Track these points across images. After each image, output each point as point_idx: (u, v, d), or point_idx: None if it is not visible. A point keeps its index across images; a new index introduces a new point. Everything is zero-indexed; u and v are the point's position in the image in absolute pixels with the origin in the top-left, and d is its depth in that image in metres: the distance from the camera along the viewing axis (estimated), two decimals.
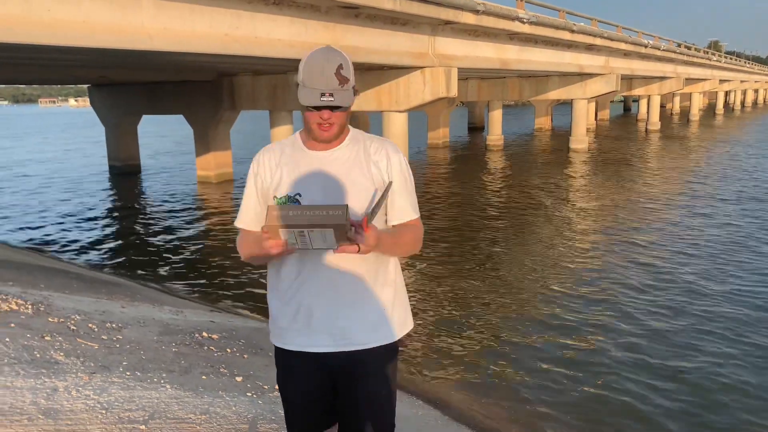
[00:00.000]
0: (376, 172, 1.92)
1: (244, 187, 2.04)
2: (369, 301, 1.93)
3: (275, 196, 1.91)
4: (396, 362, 2.03)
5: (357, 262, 1.89)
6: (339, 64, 1.79)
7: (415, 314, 6.49)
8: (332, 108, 1.82)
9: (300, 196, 1.87)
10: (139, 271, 8.70)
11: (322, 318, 1.91)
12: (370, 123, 31.12)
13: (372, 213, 1.75)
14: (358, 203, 1.86)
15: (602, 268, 8.37)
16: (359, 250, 1.72)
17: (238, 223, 2.04)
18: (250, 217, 2.01)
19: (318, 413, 2.04)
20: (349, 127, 1.98)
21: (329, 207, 1.68)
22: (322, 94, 1.77)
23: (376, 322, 1.94)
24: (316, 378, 1.99)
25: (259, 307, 7.01)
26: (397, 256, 1.98)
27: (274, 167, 1.93)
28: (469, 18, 13.21)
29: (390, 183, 1.86)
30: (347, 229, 1.66)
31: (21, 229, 11.79)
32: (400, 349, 2.05)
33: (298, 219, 1.66)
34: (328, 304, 1.90)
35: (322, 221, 1.64)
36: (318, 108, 1.81)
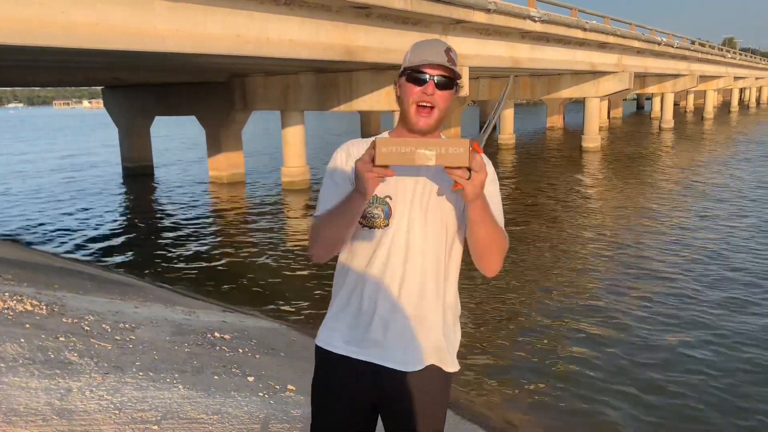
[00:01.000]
0: None
1: (323, 179, 1.80)
2: (437, 323, 1.77)
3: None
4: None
5: (431, 277, 1.73)
6: (448, 47, 1.70)
7: None
8: (439, 83, 1.67)
9: (390, 199, 1.71)
10: (152, 272, 8.75)
11: (398, 331, 1.73)
12: (382, 124, 31.15)
13: (483, 134, 1.69)
14: (446, 211, 1.73)
15: (616, 272, 8.30)
16: (469, 178, 1.48)
17: (319, 212, 1.74)
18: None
19: None
20: (441, 135, 1.82)
21: (448, 143, 1.47)
22: (430, 64, 1.66)
23: (443, 346, 1.78)
24: (365, 396, 1.79)
25: (271, 307, 7.03)
26: (487, 240, 1.67)
27: None
28: (480, 17, 13.17)
29: (500, 103, 1.78)
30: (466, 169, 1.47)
31: (35, 229, 11.91)
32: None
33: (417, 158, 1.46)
34: (404, 317, 1.73)
35: (444, 162, 1.45)
36: (422, 81, 1.66)
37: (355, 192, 1.57)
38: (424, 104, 1.68)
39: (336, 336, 1.79)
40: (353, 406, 1.80)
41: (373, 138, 1.60)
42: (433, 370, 1.76)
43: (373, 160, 1.47)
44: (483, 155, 1.55)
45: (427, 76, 1.66)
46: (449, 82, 1.68)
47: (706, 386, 4.99)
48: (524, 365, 5.45)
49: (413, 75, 1.68)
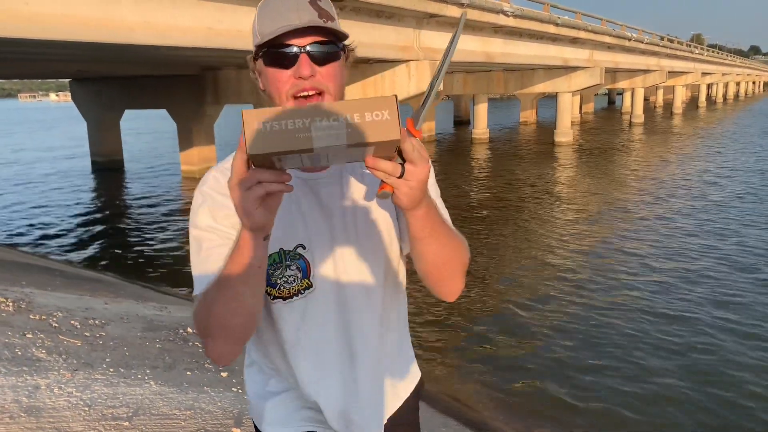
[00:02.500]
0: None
1: (191, 241, 1.18)
2: (392, 363, 1.35)
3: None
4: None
5: (379, 323, 1.26)
6: None
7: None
8: (315, 57, 1.09)
9: (304, 248, 1.19)
10: (123, 268, 8.62)
11: (360, 407, 1.29)
12: None
13: (422, 108, 1.06)
14: (384, 233, 1.23)
15: (589, 263, 8.44)
16: (402, 174, 0.93)
17: (200, 288, 1.13)
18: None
19: None
20: None
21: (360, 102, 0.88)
22: (292, 29, 1.07)
23: (397, 386, 1.38)
24: None
25: None
26: (442, 258, 1.15)
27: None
28: (454, 11, 13.21)
29: (436, 78, 1.07)
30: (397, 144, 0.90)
31: (2, 226, 11.63)
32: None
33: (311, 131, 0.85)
34: (367, 400, 1.29)
35: (362, 137, 0.86)
36: (288, 59, 1.08)
37: (244, 231, 0.96)
38: (306, 93, 1.10)
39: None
40: None
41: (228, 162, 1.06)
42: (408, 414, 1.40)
43: (247, 163, 0.89)
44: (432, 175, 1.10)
45: (296, 49, 1.08)
46: (332, 49, 1.11)
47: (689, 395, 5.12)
48: (498, 361, 5.52)
49: (274, 54, 1.10)
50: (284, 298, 1.19)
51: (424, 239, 1.08)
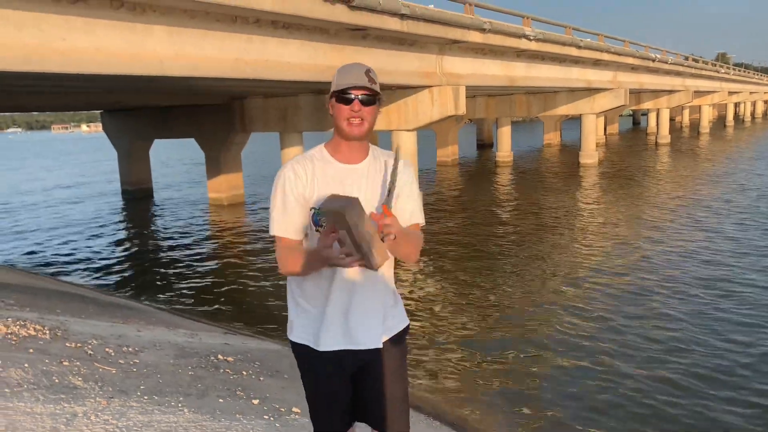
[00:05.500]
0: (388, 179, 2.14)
1: (271, 197, 2.11)
2: (386, 298, 2.18)
3: (312, 207, 2.04)
4: (405, 361, 2.27)
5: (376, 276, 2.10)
6: (367, 69, 2.05)
7: (427, 334, 6.46)
8: (363, 101, 2.02)
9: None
10: (154, 295, 8.73)
11: (355, 320, 2.11)
12: (380, 143, 31.25)
13: (389, 197, 1.96)
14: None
15: (612, 288, 8.30)
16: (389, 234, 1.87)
17: (279, 232, 2.09)
18: (295, 226, 2.07)
19: (341, 412, 2.20)
20: (370, 145, 2.17)
21: (340, 199, 1.86)
22: (354, 86, 2.02)
23: (388, 317, 2.20)
24: (344, 378, 2.16)
25: (273, 328, 7.01)
26: (404, 254, 2.07)
27: (310, 178, 2.07)
28: (476, 37, 13.31)
29: (395, 166, 2.02)
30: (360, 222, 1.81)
31: (37, 254, 11.90)
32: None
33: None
34: (358, 306, 2.11)
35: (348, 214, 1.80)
36: (349, 100, 2.02)
37: (318, 262, 1.95)
38: (354, 119, 2.03)
39: (309, 328, 2.15)
40: (340, 384, 2.17)
41: (315, 152, 2.12)
42: (389, 344, 2.17)
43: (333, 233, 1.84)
44: (404, 176, 2.08)
45: (354, 96, 2.03)
46: (372, 98, 2.05)
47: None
48: (510, 388, 5.43)
49: (341, 96, 2.05)
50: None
51: (394, 250, 2.02)
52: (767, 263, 8.96)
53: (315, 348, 2.13)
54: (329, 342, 2.11)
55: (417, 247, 2.09)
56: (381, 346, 2.15)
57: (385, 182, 2.09)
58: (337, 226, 1.82)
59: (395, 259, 2.20)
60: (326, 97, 2.11)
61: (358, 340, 2.12)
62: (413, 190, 2.16)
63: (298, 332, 2.18)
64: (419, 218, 2.17)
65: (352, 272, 2.06)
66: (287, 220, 2.06)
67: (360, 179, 2.09)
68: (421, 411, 4.68)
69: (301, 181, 2.05)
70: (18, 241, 13.34)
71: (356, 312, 2.11)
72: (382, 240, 1.86)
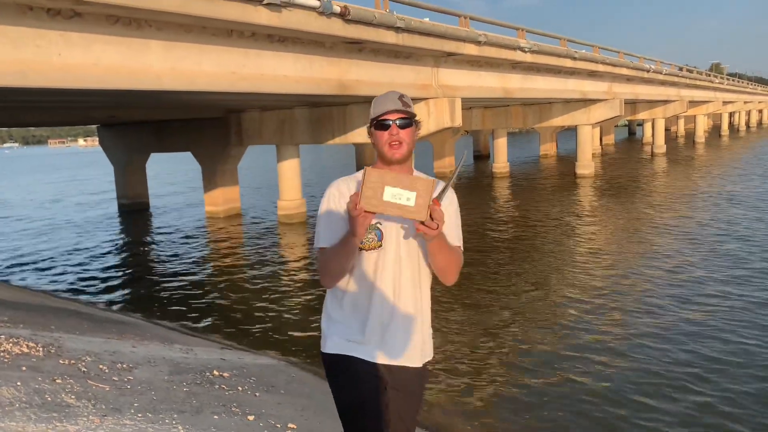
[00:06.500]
0: None
1: (318, 214, 2.21)
2: (423, 322, 2.25)
3: None
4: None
5: (415, 286, 2.20)
6: (400, 95, 2.17)
7: None
8: (400, 125, 2.13)
9: (381, 224, 2.14)
10: (150, 309, 8.68)
11: (395, 333, 2.18)
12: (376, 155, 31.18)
13: (442, 193, 2.03)
14: (417, 236, 2.09)
15: (608, 302, 8.28)
16: (431, 228, 1.90)
17: (324, 243, 2.16)
18: (340, 237, 2.10)
19: (380, 421, 2.19)
20: (413, 168, 2.24)
21: (416, 178, 1.91)
22: (389, 111, 2.13)
23: (426, 343, 2.27)
24: (381, 388, 2.17)
25: (269, 342, 6.96)
26: (443, 265, 2.14)
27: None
28: (471, 49, 13.39)
29: (457, 168, 2.13)
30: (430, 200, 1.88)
31: (31, 269, 11.84)
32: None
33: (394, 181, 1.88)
34: (398, 320, 2.17)
35: (407, 215, 1.89)
36: (386, 126, 2.13)
37: (349, 234, 1.99)
38: (394, 143, 2.14)
39: (346, 340, 2.20)
40: (377, 396, 2.17)
41: (360, 175, 2.03)
42: (421, 370, 2.26)
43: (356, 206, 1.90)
44: (445, 200, 2.07)
45: (390, 122, 2.14)
46: (408, 121, 2.16)
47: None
48: (505, 399, 5.39)
49: (380, 123, 2.15)
50: (366, 250, 2.15)
51: (435, 254, 2.11)
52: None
53: (353, 355, 2.17)
54: (370, 352, 2.16)
55: (457, 264, 2.17)
56: (420, 365, 2.23)
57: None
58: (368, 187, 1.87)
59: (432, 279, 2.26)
60: (366, 129, 2.25)
61: (396, 356, 2.18)
62: (455, 214, 2.23)
63: (333, 343, 2.22)
64: (456, 240, 2.20)
65: (392, 286, 2.15)
66: (332, 235, 2.12)
67: None
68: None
69: (345, 198, 2.10)
70: (13, 257, 13.27)
71: (396, 328, 2.17)
72: (425, 233, 1.92)
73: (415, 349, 2.21)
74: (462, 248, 2.24)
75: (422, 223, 1.89)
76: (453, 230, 2.18)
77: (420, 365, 2.24)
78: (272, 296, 9.03)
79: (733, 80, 60.16)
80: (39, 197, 27.43)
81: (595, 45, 21.46)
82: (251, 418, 3.96)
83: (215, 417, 3.87)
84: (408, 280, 2.18)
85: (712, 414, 4.90)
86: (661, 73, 28.97)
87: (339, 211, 2.14)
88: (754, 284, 8.39)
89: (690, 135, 50.27)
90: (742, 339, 6.44)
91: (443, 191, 2.04)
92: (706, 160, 30.13)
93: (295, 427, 3.90)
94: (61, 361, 4.43)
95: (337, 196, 2.17)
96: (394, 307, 2.16)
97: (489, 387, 5.61)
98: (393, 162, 2.15)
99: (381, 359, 2.17)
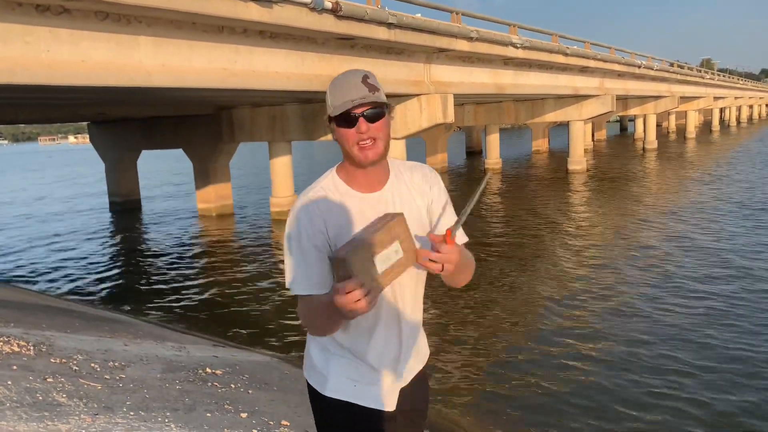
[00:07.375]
0: (421, 204, 1.84)
1: (285, 247, 1.75)
2: (421, 335, 2.00)
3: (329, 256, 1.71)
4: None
5: (417, 285, 1.89)
6: (364, 74, 1.68)
7: None
8: (369, 117, 1.66)
9: None
10: (142, 307, 8.64)
11: (407, 351, 1.89)
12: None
13: (456, 225, 1.66)
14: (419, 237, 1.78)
15: (602, 294, 8.32)
16: (442, 269, 1.61)
17: (302, 290, 1.71)
18: (320, 278, 1.70)
19: None
20: (388, 160, 1.81)
21: (382, 218, 1.65)
22: (353, 103, 1.64)
23: (424, 354, 2.03)
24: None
25: (262, 340, 6.95)
26: (458, 281, 1.83)
27: (327, 218, 1.71)
28: (463, 45, 13.38)
29: (476, 193, 1.69)
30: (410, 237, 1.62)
31: (23, 267, 11.76)
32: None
33: (367, 244, 1.55)
34: (407, 333, 1.88)
35: (401, 271, 1.63)
36: (352, 121, 1.64)
37: (340, 316, 1.56)
38: (365, 142, 1.68)
39: (351, 381, 1.83)
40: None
41: (325, 183, 1.75)
42: (424, 375, 2.01)
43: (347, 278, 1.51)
44: (435, 194, 1.83)
45: (357, 115, 1.65)
46: (379, 111, 1.68)
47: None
48: (503, 398, 5.42)
49: (342, 119, 1.66)
50: None
51: (449, 279, 1.79)
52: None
53: (362, 405, 1.81)
54: (382, 394, 1.83)
55: (471, 269, 1.85)
56: (423, 372, 1.99)
57: (413, 202, 1.81)
58: (346, 272, 1.53)
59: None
60: (325, 120, 1.73)
61: (409, 375, 1.91)
62: (449, 204, 1.89)
63: (335, 386, 1.83)
64: (463, 238, 1.85)
65: (395, 308, 1.82)
66: (310, 281, 1.69)
67: (387, 210, 1.75)
68: None
69: (318, 227, 1.69)
70: (3, 255, 13.18)
71: (408, 345, 1.88)
72: (435, 271, 1.64)
73: (423, 355, 1.99)
74: (467, 240, 1.90)
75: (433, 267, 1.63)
76: (450, 216, 1.90)
77: (423, 372, 1.99)
78: (265, 293, 9.01)
79: (723, 76, 60.45)
80: (28, 195, 27.23)
81: (586, 41, 21.51)
82: (244, 415, 3.96)
83: (208, 415, 3.86)
84: (408, 307, 1.87)
85: (712, 414, 4.94)
86: (652, 69, 29.07)
87: (313, 246, 1.68)
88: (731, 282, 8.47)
89: (681, 130, 50.51)
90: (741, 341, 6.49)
91: (457, 224, 1.67)
92: (696, 157, 30.29)
93: (288, 424, 3.90)
94: (52, 360, 4.41)
95: (308, 227, 1.69)
96: (402, 330, 1.84)
97: (480, 387, 5.62)
98: (367, 164, 1.70)
99: (392, 396, 1.84)
